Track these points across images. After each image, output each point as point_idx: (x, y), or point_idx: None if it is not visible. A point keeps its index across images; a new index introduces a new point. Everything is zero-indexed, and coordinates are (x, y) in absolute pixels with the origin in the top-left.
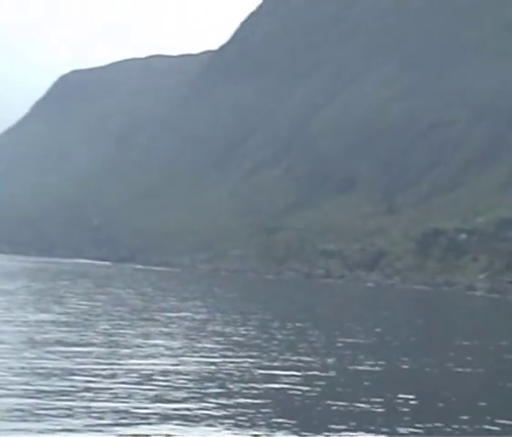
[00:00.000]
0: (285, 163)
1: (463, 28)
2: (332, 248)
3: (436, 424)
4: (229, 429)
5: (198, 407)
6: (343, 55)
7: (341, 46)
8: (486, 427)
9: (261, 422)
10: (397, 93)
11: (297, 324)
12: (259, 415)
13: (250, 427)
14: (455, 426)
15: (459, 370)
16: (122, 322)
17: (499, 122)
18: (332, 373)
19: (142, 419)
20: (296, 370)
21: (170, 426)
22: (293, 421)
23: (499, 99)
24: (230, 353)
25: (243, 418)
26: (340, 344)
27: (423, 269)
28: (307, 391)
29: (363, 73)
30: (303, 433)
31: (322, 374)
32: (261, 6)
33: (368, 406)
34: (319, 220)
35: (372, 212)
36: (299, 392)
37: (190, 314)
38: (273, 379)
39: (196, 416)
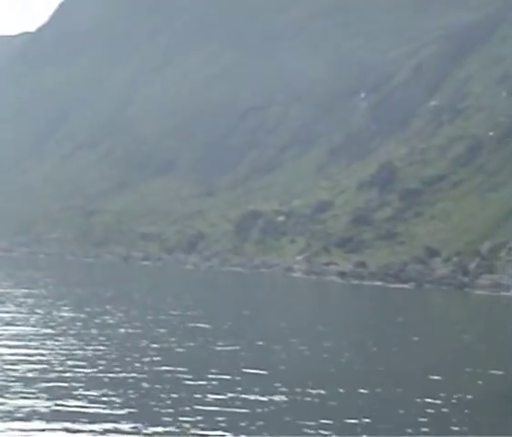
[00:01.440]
0: (105, 145)
1: (281, 11)
2: (151, 230)
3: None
4: None
5: None
6: (162, 37)
7: (161, 29)
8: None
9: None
10: (216, 76)
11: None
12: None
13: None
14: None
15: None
16: None
17: (316, 105)
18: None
19: None
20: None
21: None
22: None
23: (316, 83)
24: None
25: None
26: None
27: (241, 251)
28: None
29: (183, 55)
30: None
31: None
32: None
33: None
34: (138, 203)
35: (191, 195)
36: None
37: None
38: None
39: None
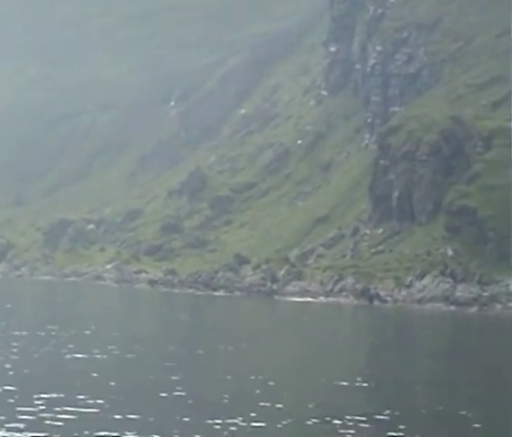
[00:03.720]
0: None
1: (91, 19)
2: None
3: None
4: None
5: None
6: None
7: None
8: None
9: None
10: (24, 88)
11: None
12: None
13: None
14: None
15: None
16: None
17: (126, 113)
18: None
19: None
20: None
21: None
22: None
23: (126, 91)
24: None
25: None
26: None
27: (51, 260)
28: None
29: None
30: None
31: None
32: None
33: None
34: None
35: (0, 203)
36: None
37: None
38: None
39: None
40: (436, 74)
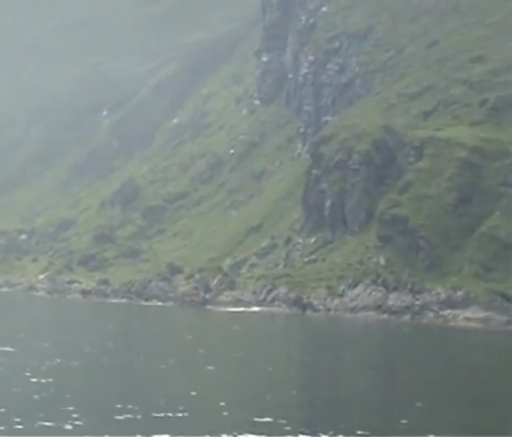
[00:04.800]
0: None
1: (25, 28)
2: None
3: None
4: None
5: None
6: None
7: None
8: None
9: None
10: None
11: None
12: None
13: None
14: None
15: None
16: None
17: (59, 122)
18: None
19: None
20: None
21: None
22: None
23: (59, 100)
24: None
25: None
26: None
27: None
28: None
29: None
30: None
31: None
32: None
33: None
34: None
35: None
36: None
37: None
38: None
39: None
40: (368, 83)
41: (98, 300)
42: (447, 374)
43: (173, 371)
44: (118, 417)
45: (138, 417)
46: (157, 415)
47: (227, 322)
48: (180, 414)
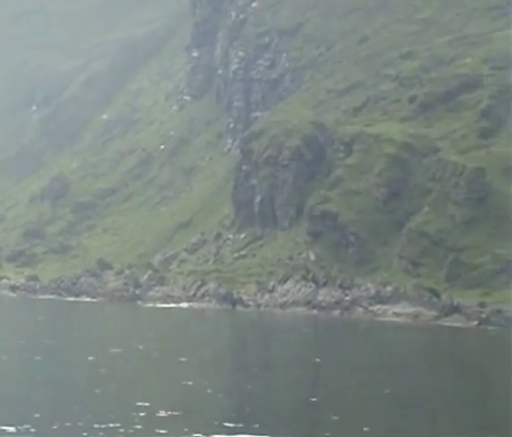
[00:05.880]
0: None
1: None
2: None
3: None
4: None
5: None
6: None
7: None
8: None
9: None
10: None
11: None
12: None
13: None
14: None
15: None
16: None
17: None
18: None
19: None
20: None
21: None
22: None
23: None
24: None
25: None
26: None
27: None
28: None
29: None
30: None
31: None
32: None
33: None
34: None
35: None
36: None
37: None
38: None
39: None
40: (298, 79)
41: (28, 296)
42: (370, 369)
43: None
44: None
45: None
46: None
47: (151, 318)
48: None
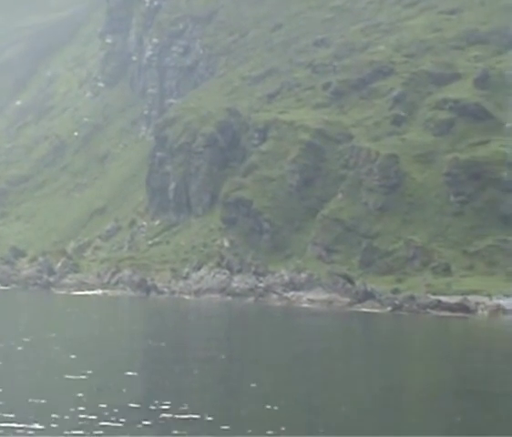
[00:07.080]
0: None
1: None
2: None
3: None
4: None
5: None
6: None
7: None
8: None
9: None
10: None
11: None
12: None
13: None
14: None
15: None
16: None
17: None
18: None
19: None
20: None
21: None
22: None
23: None
24: None
25: None
26: None
27: None
28: None
29: None
30: None
31: None
32: None
33: None
34: None
35: None
36: None
37: None
38: None
39: None
40: (212, 66)
41: None
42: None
43: None
44: None
45: None
46: None
47: (62, 306)
48: None
